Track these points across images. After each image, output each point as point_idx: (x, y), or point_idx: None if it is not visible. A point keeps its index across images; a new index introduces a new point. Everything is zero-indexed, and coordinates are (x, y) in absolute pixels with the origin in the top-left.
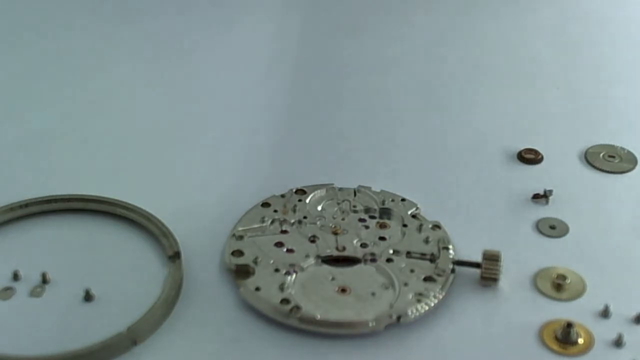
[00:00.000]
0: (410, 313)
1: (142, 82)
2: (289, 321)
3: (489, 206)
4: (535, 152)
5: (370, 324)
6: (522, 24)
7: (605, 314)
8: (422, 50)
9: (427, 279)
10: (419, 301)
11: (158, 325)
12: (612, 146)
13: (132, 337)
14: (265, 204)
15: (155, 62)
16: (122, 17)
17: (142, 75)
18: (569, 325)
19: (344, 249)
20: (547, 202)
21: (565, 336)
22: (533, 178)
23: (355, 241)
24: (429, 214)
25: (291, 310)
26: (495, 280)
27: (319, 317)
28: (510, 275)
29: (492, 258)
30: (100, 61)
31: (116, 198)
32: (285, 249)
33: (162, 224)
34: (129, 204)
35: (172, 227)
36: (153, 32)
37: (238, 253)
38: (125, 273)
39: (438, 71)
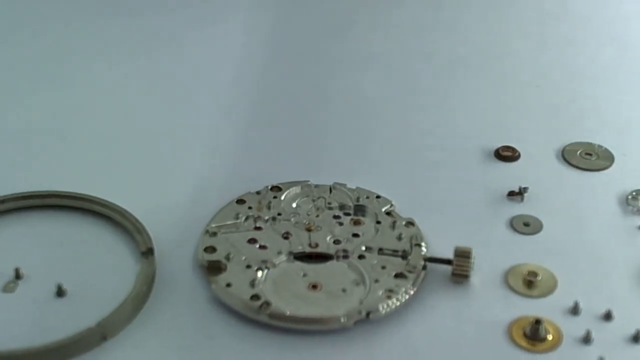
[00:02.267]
0: (380, 309)
1: (119, 81)
2: (259, 317)
3: (465, 203)
4: (513, 149)
5: (340, 320)
6: (504, 22)
7: (575, 310)
8: (401, 47)
9: (398, 275)
10: (389, 297)
11: (129, 321)
12: (590, 144)
13: (102, 332)
14: (240, 201)
15: (133, 60)
16: (94, 15)
17: (118, 74)
18: (538, 321)
19: (316, 245)
20: (522, 200)
21: (533, 333)
22: (510, 175)
23: (328, 238)
24: (404, 211)
25: (261, 306)
26: (466, 276)
27: (288, 313)
28: (482, 272)
29: (463, 255)
30: (77, 60)
31: (92, 194)
32: (258, 246)
33: (137, 220)
34: (105, 200)
35: (148, 224)
36: (128, 31)
37: (211, 249)
38: (99, 269)
39: (417, 69)
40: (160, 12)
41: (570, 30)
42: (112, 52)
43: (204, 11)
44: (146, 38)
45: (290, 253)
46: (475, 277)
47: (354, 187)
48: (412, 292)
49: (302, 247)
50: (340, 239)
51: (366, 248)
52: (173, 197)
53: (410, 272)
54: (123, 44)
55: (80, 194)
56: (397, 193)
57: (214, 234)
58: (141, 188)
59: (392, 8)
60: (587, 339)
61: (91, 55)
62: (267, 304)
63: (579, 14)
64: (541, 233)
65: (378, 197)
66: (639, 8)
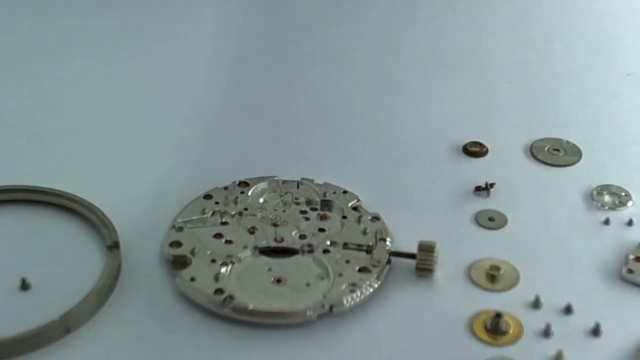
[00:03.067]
0: (343, 303)
1: (88, 77)
2: (223, 311)
3: (431, 198)
4: (480, 145)
5: (303, 314)
6: (477, 20)
7: (536, 304)
8: (371, 44)
9: (362, 269)
10: (352, 291)
11: (92, 314)
12: (558, 140)
13: (65, 325)
14: (208, 196)
15: (101, 56)
16: (64, 12)
17: (87, 70)
18: (498, 315)
19: (282, 240)
20: (488, 195)
21: (494, 326)
22: (477, 171)
23: (294, 233)
24: (371, 206)
25: (224, 300)
26: (430, 270)
27: (251, 306)
28: (446, 266)
29: (426, 249)
30: (45, 56)
31: (60, 189)
32: (224, 240)
33: (103, 215)
34: (73, 195)
35: (115, 218)
36: (95, 28)
37: (176, 244)
38: (65, 262)
39: (387, 66)
40: (129, 7)
41: (543, 28)
42: (80, 48)
43: (173, 6)
44: (114, 34)
45: (255, 248)
46: (439, 272)
47: (321, 183)
48: (376, 286)
49: (268, 242)
50: (306, 233)
51: (331, 243)
52: (141, 192)
53: (374, 266)
54: (91, 40)
55: (48, 188)
56: (365, 188)
57: (181, 228)
58: (109, 183)
59: (363, 5)
60: (547, 333)
61: (60, 51)
62: (231, 297)
63: (552, 11)
64: (505, 228)
65: (345, 192)
66: (610, 6)
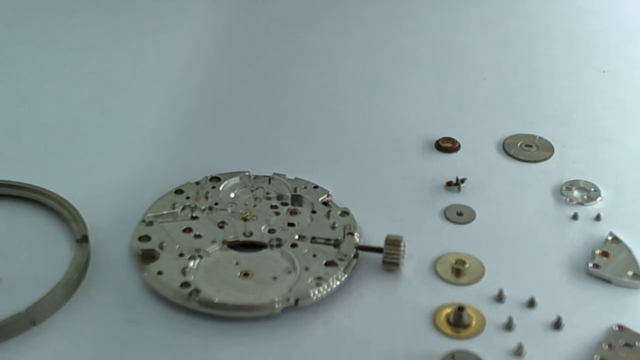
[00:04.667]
0: (308, 296)
1: (63, 72)
2: (189, 304)
3: (402, 193)
4: (453, 140)
5: (268, 307)
6: (453, 16)
7: (499, 298)
8: (344, 39)
9: (329, 263)
10: (318, 285)
11: (59, 307)
12: (531, 135)
13: (31, 318)
14: (179, 191)
15: (77, 52)
16: (46, 10)
17: (61, 66)
18: (460, 308)
19: (251, 234)
20: (459, 190)
21: (457, 319)
22: (449, 166)
23: (263, 227)
24: (342, 201)
25: (191, 293)
26: (396, 264)
27: (217, 300)
28: (413, 261)
29: (393, 243)
30: (20, 51)
31: (31, 183)
32: (193, 235)
33: (74, 208)
34: (43, 189)
35: (86, 212)
36: (75, 26)
37: (145, 238)
38: (34, 256)
39: (361, 61)
40: (108, 3)
41: (520, 25)
42: (54, 43)
43: (153, 6)
44: (92, 30)
45: (224, 242)
46: (406, 266)
47: (292, 178)
48: (342, 280)
49: (236, 236)
50: (276, 228)
51: (299, 237)
52: (113, 187)
53: (341, 260)
54: (66, 35)
55: (18, 182)
56: (336, 183)
57: (150, 223)
58: (82, 177)
59: (339, 4)
60: (509, 326)
61: (34, 47)
62: (197, 291)
63: (529, 8)
64: (474, 222)
65: (316, 187)
66: (587, 3)
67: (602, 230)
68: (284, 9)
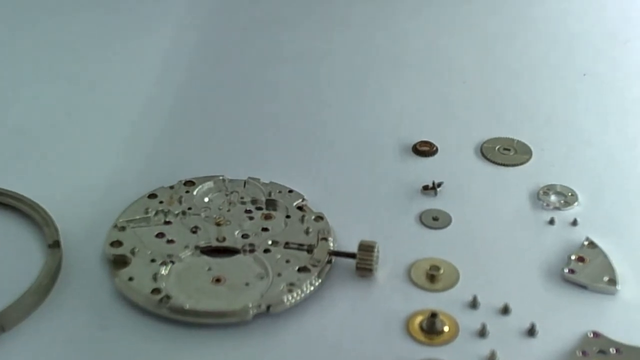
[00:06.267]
0: (280, 303)
1: (33, 75)
2: (160, 311)
3: (378, 198)
4: (430, 144)
5: (239, 314)
6: (434, 19)
7: (473, 304)
8: (321, 43)
9: (302, 269)
10: (290, 291)
11: (28, 313)
12: (509, 139)
13: (1, 324)
14: (152, 195)
15: (52, 55)
16: (16, 13)
17: (34, 68)
18: (433, 315)
19: (224, 239)
20: (435, 194)
21: (430, 326)
22: (426, 170)
23: (237, 232)
24: (317, 205)
25: (161, 300)
26: (370, 270)
27: (187, 306)
28: (387, 266)
29: (366, 249)
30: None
31: (2, 187)
32: (165, 240)
33: (46, 213)
34: (14, 193)
35: (58, 217)
36: (49, 28)
37: (117, 244)
38: (5, 261)
39: (340, 65)
40: (85, 3)
41: (500, 27)
42: (26, 47)
43: (127, 7)
44: (65, 34)
45: (196, 247)
46: (380, 271)
47: (267, 182)
48: (316, 286)
49: (209, 242)
50: (249, 233)
51: (273, 242)
52: (85, 192)
53: (314, 265)
54: (38, 40)
55: None
56: (312, 188)
57: (123, 228)
58: (55, 181)
59: (319, 6)
60: (482, 333)
61: (4, 50)
62: (168, 297)
63: (509, 11)
64: (449, 227)
65: (290, 191)
66: (568, 6)
67: (579, 235)
68: (261, 11)
